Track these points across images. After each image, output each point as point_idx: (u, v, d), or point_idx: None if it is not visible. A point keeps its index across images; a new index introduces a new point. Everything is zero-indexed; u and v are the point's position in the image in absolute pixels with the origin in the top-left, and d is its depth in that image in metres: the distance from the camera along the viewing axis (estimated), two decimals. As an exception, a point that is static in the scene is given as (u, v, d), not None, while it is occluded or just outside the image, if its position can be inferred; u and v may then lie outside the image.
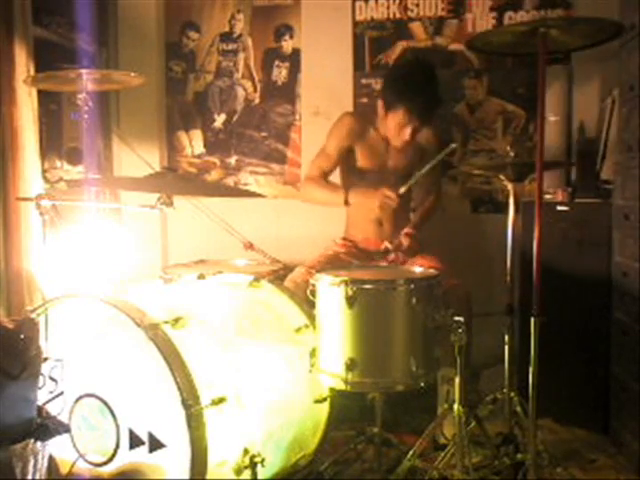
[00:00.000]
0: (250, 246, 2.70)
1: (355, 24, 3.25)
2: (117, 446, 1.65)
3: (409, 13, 3.20)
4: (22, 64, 2.54)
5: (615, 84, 2.48)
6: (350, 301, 1.77)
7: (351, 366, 1.77)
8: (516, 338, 2.23)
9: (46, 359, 1.66)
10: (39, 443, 1.59)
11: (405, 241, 2.59)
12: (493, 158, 3.14)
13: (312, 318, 1.94)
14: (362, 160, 2.70)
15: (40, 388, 1.62)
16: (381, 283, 1.82)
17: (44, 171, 2.76)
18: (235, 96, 3.44)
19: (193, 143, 3.51)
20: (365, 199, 2.55)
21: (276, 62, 3.37)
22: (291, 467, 1.92)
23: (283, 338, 1.96)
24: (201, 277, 2.08)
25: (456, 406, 1.85)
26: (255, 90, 3.41)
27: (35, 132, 2.60)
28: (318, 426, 2.02)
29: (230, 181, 3.47)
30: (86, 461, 1.71)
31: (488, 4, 3.12)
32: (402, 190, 2.44)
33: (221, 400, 1.60)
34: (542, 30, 1.81)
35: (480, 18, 3.13)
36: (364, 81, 3.27)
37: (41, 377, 1.62)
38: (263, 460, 1.67)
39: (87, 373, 1.70)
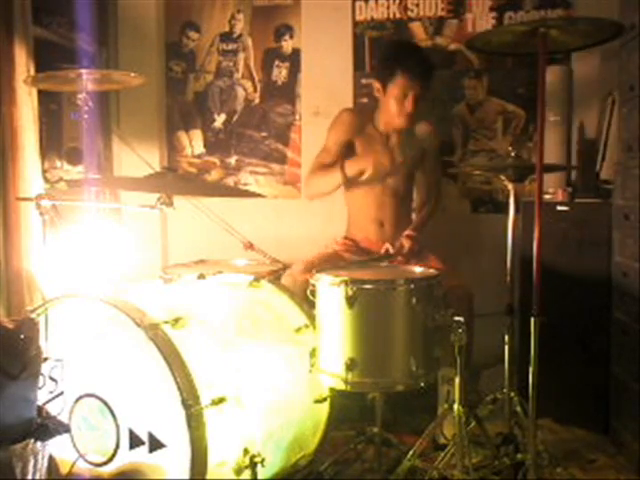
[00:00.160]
0: (250, 246, 2.70)
1: (355, 24, 3.25)
2: (117, 446, 1.65)
3: (409, 13, 3.20)
4: (22, 64, 2.54)
5: (615, 84, 2.48)
6: (350, 301, 1.77)
7: (351, 366, 1.77)
8: (516, 338, 2.23)
9: (46, 359, 1.66)
10: (39, 443, 1.59)
11: (406, 243, 2.59)
12: (493, 158, 3.14)
13: (312, 318, 1.94)
14: (361, 154, 2.70)
15: (40, 388, 1.62)
16: (381, 283, 1.82)
17: (44, 171, 2.76)
18: (235, 96, 3.44)
19: (193, 143, 3.51)
20: (360, 166, 2.58)
21: (276, 62, 3.37)
22: (291, 467, 1.92)
23: (283, 338, 1.96)
24: (201, 277, 2.08)
25: (456, 406, 1.85)
26: (255, 90, 3.41)
27: (35, 132, 2.60)
28: (318, 426, 2.02)
29: (230, 181, 3.47)
30: (86, 461, 1.71)
31: (488, 4, 3.12)
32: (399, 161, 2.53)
33: (221, 400, 1.60)
34: (542, 30, 1.80)
35: (480, 18, 3.13)
36: (364, 81, 3.27)
37: (41, 377, 1.62)
38: (263, 460, 1.67)
39: (87, 373, 1.70)
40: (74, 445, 1.72)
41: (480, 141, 3.18)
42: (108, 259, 2.45)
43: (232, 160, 3.47)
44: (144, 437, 1.60)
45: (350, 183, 2.69)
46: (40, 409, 1.63)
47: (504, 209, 2.18)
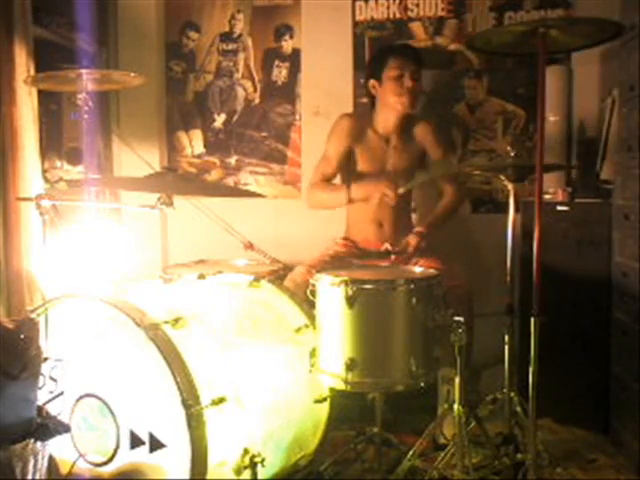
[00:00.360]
0: (250, 246, 2.70)
1: (355, 24, 3.24)
2: (117, 446, 1.65)
3: (409, 13, 3.19)
4: (22, 64, 2.54)
5: (615, 84, 2.48)
6: (350, 301, 1.77)
7: (351, 366, 1.77)
8: (516, 338, 2.23)
9: (46, 359, 1.66)
10: (39, 443, 1.59)
11: (412, 241, 2.59)
12: (493, 158, 3.14)
13: (312, 318, 1.94)
14: (362, 161, 2.71)
15: (40, 388, 1.62)
16: (381, 283, 1.82)
17: (44, 171, 2.76)
18: (235, 96, 3.43)
19: (193, 143, 3.51)
20: (365, 193, 2.58)
21: (276, 62, 3.37)
22: (291, 467, 1.92)
23: (283, 338, 1.96)
24: (201, 277, 2.08)
25: (456, 406, 1.85)
26: (255, 90, 3.41)
27: (35, 132, 2.60)
28: (318, 426, 2.02)
29: (230, 181, 3.47)
30: (86, 461, 1.71)
31: (488, 4, 3.11)
32: (401, 190, 2.47)
33: (221, 400, 1.60)
34: (542, 30, 1.81)
35: (480, 18, 3.13)
36: (364, 81, 3.26)
37: (41, 377, 1.62)
38: (263, 460, 1.67)
39: (87, 373, 1.70)
40: (74, 445, 1.72)
41: (480, 141, 3.17)
42: (108, 259, 2.46)
43: (232, 160, 3.46)
44: (144, 437, 1.61)
45: (344, 179, 2.70)
46: (40, 409, 1.63)
47: (504, 209, 2.18)
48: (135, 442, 1.62)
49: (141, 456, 1.62)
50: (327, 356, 1.84)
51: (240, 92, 3.43)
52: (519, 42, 1.93)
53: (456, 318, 1.80)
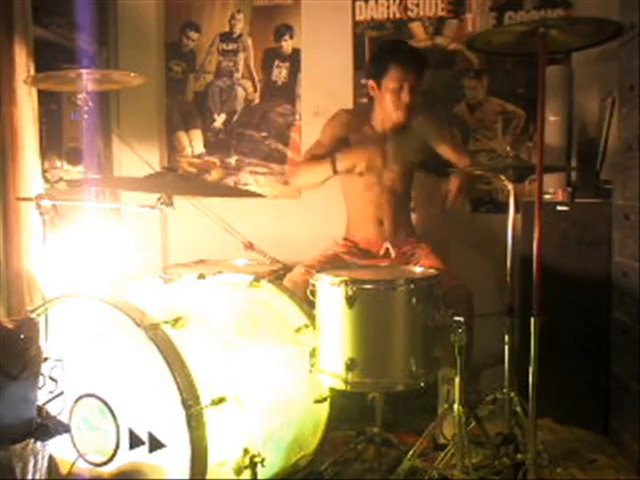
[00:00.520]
0: (250, 246, 2.71)
1: (355, 24, 3.24)
2: (117, 446, 1.65)
3: (409, 13, 3.19)
4: (22, 64, 2.54)
5: (615, 84, 2.48)
6: (350, 301, 1.77)
7: (351, 366, 1.77)
8: (516, 338, 2.23)
9: (46, 359, 1.66)
10: (39, 443, 1.59)
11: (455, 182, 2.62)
12: (493, 158, 3.14)
13: (312, 318, 1.94)
14: (355, 149, 2.69)
15: (40, 388, 1.62)
16: (381, 283, 1.82)
17: (44, 171, 2.76)
18: (235, 96, 3.43)
19: (193, 143, 3.51)
20: (351, 162, 2.54)
21: (276, 62, 3.37)
22: (291, 467, 1.92)
23: (283, 338, 1.96)
24: (201, 277, 2.08)
25: (456, 406, 1.85)
26: (255, 90, 3.41)
27: (35, 132, 2.60)
28: (318, 426, 2.02)
29: (230, 181, 3.47)
30: (86, 461, 1.71)
31: (488, 4, 3.12)
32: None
33: (221, 400, 1.60)
34: (542, 30, 1.80)
35: (480, 18, 3.13)
36: (364, 81, 3.25)
37: (41, 377, 1.62)
38: (263, 460, 1.67)
39: (87, 373, 1.70)
40: (74, 445, 1.72)
41: (480, 141, 3.17)
42: (108, 259, 2.46)
43: (232, 160, 3.46)
44: (144, 437, 1.60)
45: (343, 178, 2.69)
46: (40, 409, 1.63)
47: (504, 209, 2.18)
48: (135, 442, 1.62)
49: (141, 456, 1.61)
50: (327, 356, 1.84)
51: (240, 92, 3.43)
52: (519, 42, 1.93)
53: (456, 318, 1.80)
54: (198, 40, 3.46)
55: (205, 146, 3.49)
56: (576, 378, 2.46)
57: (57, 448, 1.70)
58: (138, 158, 3.02)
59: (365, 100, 3.16)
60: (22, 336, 1.56)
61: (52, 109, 3.04)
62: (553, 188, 2.69)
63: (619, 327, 2.32)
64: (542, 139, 1.89)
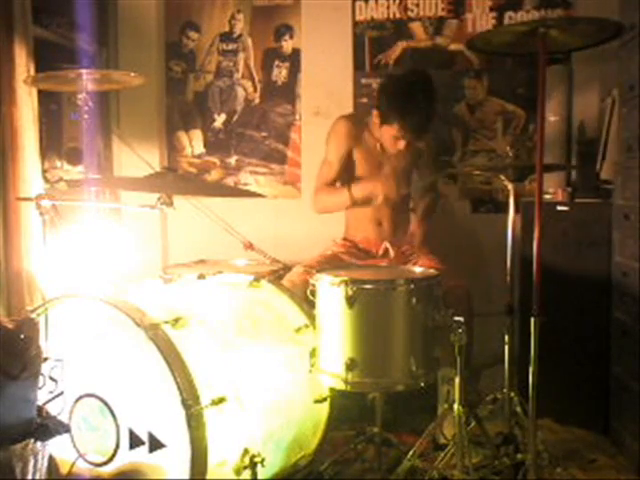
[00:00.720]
0: (250, 246, 2.70)
1: (355, 24, 3.25)
2: (117, 446, 1.65)
3: (409, 13, 3.20)
4: (22, 64, 2.54)
5: (615, 84, 2.48)
6: (350, 301, 1.77)
7: (351, 366, 1.77)
8: (516, 338, 2.23)
9: (46, 359, 1.66)
10: (39, 443, 1.59)
11: (417, 230, 2.69)
12: (493, 158, 3.14)
13: (312, 318, 1.94)
14: (360, 162, 2.71)
15: (40, 388, 1.62)
16: (381, 283, 1.82)
17: (44, 171, 2.76)
18: (235, 96, 3.43)
19: (193, 143, 3.51)
20: (366, 192, 2.59)
21: (276, 62, 3.37)
22: (291, 467, 1.92)
23: (283, 338, 1.96)
24: (201, 277, 2.08)
25: (456, 406, 1.85)
26: (255, 90, 3.41)
27: (35, 132, 2.60)
28: (318, 426, 2.02)
29: (230, 181, 3.47)
30: (86, 461, 1.71)
31: (488, 4, 3.12)
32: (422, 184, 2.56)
33: (221, 400, 1.60)
34: (542, 30, 1.80)
35: (480, 18, 3.13)
36: (364, 81, 3.27)
37: (41, 377, 1.62)
38: (263, 460, 1.67)
39: (87, 373, 1.70)
40: (74, 445, 1.72)
41: (480, 141, 3.18)
42: (108, 259, 2.45)
43: (232, 160, 3.46)
44: (144, 437, 1.60)
45: (343, 178, 2.71)
46: (40, 409, 1.63)
47: (504, 209, 2.18)
48: (135, 442, 1.62)
49: (141, 456, 1.61)
50: (327, 356, 1.84)
51: (240, 92, 3.43)
52: (519, 42, 1.92)
53: (456, 318, 1.80)
54: (198, 40, 3.46)
55: (205, 146, 3.49)
56: (576, 378, 2.46)
57: (57, 448, 1.70)
58: (138, 158, 3.01)
59: (365, 100, 3.17)
60: (22, 336, 1.56)
61: (52, 109, 3.04)
62: (553, 188, 2.69)
63: (619, 327, 2.32)
64: (542, 139, 1.89)
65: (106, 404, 1.65)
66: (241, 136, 3.44)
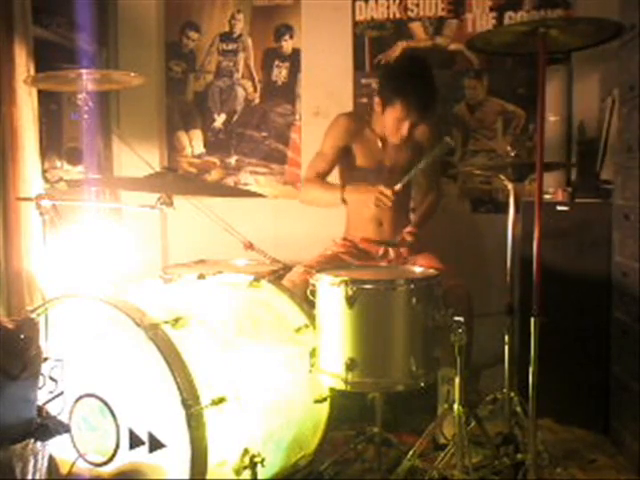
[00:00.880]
0: (250, 246, 2.70)
1: (355, 24, 3.25)
2: (117, 446, 1.65)
3: (409, 13, 3.20)
4: (22, 64, 2.54)
5: (615, 84, 2.48)
6: (350, 301, 1.77)
7: (351, 366, 1.77)
8: (516, 338, 2.23)
9: (46, 359, 1.66)
10: (39, 443, 1.59)
11: (408, 237, 2.59)
12: (493, 158, 3.14)
13: (312, 318, 1.94)
14: (360, 159, 2.70)
15: (40, 388, 1.62)
16: (381, 283, 1.82)
17: (44, 171, 2.76)
18: (235, 96, 3.43)
19: (193, 143, 3.51)
20: (360, 196, 2.56)
21: (276, 62, 3.37)
22: (291, 467, 1.92)
23: (283, 338, 1.96)
24: (201, 277, 2.08)
25: (456, 406, 1.85)
26: (255, 90, 3.41)
27: (35, 132, 2.60)
28: (318, 426, 2.02)
29: (230, 181, 3.47)
30: (86, 461, 1.71)
31: (488, 4, 3.12)
32: (398, 187, 2.43)
33: (221, 400, 1.60)
34: (542, 30, 1.81)
35: (480, 18, 3.13)
36: (364, 81, 3.27)
37: (41, 377, 1.62)
38: (263, 460, 1.67)
39: (87, 373, 1.70)
40: (74, 445, 1.72)
41: (480, 141, 3.18)
42: (108, 259, 2.46)
43: (232, 160, 3.47)
44: (144, 437, 1.60)
45: (343, 178, 2.70)
46: (40, 409, 1.63)
47: (504, 209, 2.18)
48: (135, 442, 1.62)
49: (141, 456, 1.61)
50: (327, 356, 1.84)
51: (240, 92, 3.43)
52: (519, 42, 1.93)
53: (456, 318, 1.80)
54: (198, 40, 3.46)
55: (205, 146, 3.49)
56: (576, 378, 2.46)
57: (57, 448, 1.70)
58: (138, 158, 3.02)
59: (365, 100, 3.17)
60: (22, 336, 1.56)
61: (52, 109, 3.04)
62: (553, 188, 2.69)
63: (619, 327, 2.32)
64: (542, 139, 1.89)
65: (106, 404, 1.65)
66: (241, 136, 3.44)
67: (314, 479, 2.02)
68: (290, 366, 1.90)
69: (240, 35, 3.40)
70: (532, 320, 1.85)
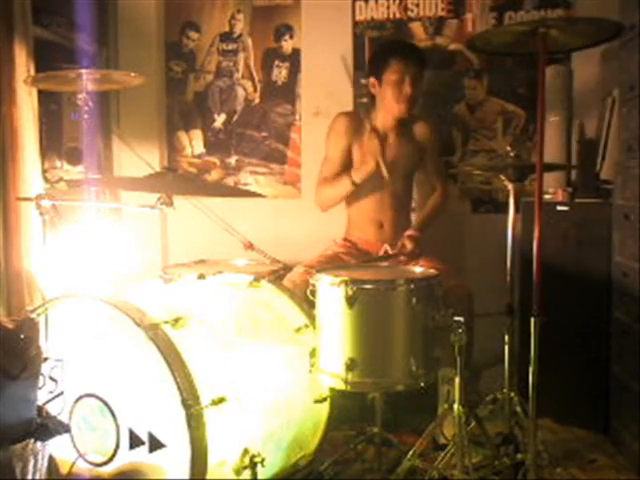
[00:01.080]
0: (250, 246, 2.70)
1: (355, 24, 3.24)
2: (117, 446, 1.65)
3: (409, 13, 3.19)
4: (22, 64, 2.54)
5: (615, 84, 2.48)
6: (350, 301, 1.77)
7: (351, 366, 1.77)
8: (516, 338, 2.23)
9: (46, 359, 1.66)
10: (39, 443, 1.59)
11: (408, 244, 2.59)
12: (493, 158, 3.14)
13: (312, 318, 1.94)
14: (359, 157, 2.70)
15: (40, 388, 1.62)
16: (381, 283, 1.82)
17: (44, 171, 2.76)
18: (235, 96, 3.43)
19: (193, 143, 3.51)
20: (365, 170, 2.61)
21: (276, 62, 3.37)
22: (291, 467, 1.92)
23: (283, 338, 1.96)
24: (201, 277, 2.08)
25: (456, 406, 1.85)
26: (255, 90, 3.41)
27: (35, 132, 2.60)
28: (318, 426, 2.02)
29: (230, 181, 3.47)
30: (86, 461, 1.71)
31: (488, 4, 3.11)
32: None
33: (221, 400, 1.60)
34: (542, 30, 1.81)
35: (480, 18, 3.13)
36: (364, 81, 3.26)
37: (41, 377, 1.62)
38: (263, 460, 1.67)
39: (87, 373, 1.70)
40: (74, 445, 1.72)
41: (480, 141, 3.17)
42: (108, 259, 2.45)
43: (232, 160, 3.46)
44: (144, 437, 1.60)
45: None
46: (40, 409, 1.63)
47: (504, 209, 2.18)
48: (135, 442, 1.62)
49: (141, 456, 1.61)
50: (327, 356, 1.84)
51: (240, 92, 3.43)
52: (519, 42, 1.93)
53: (456, 318, 1.80)
54: (198, 40, 3.46)
55: (205, 146, 3.49)
56: (576, 378, 2.46)
57: (57, 448, 1.70)
58: (138, 158, 3.01)
59: (365, 100, 3.16)
60: (22, 336, 1.56)
61: (52, 109, 3.04)
62: (553, 188, 2.68)
63: (619, 327, 2.32)
64: (542, 139, 1.89)
65: (106, 404, 1.65)
66: (241, 136, 3.44)
67: (314, 479, 2.02)
68: (290, 366, 1.90)
69: (240, 35, 3.40)
70: (532, 320, 1.85)
